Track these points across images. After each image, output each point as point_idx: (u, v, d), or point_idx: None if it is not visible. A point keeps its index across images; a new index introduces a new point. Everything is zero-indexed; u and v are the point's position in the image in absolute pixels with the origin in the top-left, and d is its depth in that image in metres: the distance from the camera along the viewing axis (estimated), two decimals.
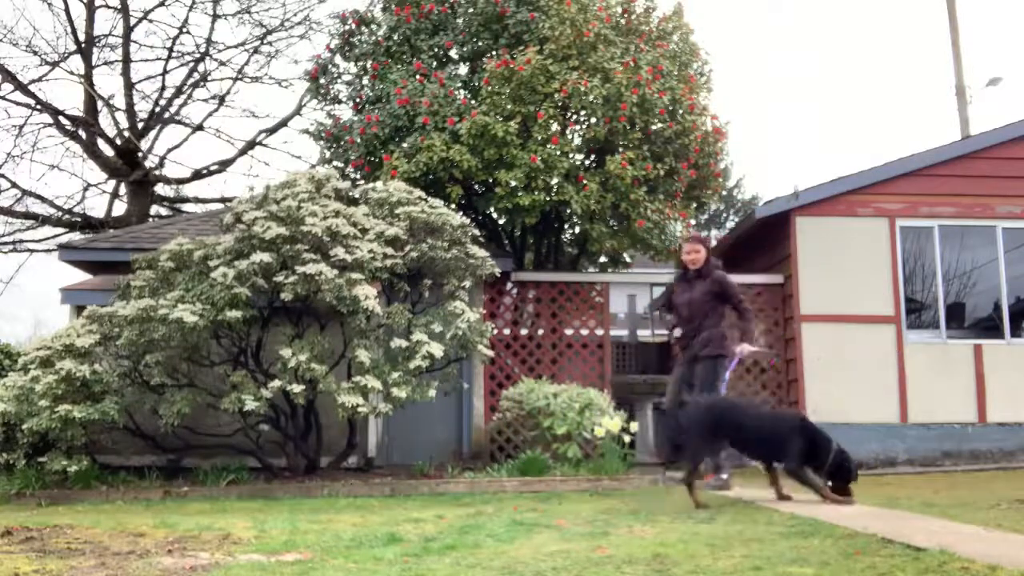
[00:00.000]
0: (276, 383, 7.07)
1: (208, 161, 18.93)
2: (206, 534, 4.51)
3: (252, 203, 8.08)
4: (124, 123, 17.50)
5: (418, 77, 10.63)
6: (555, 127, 10.05)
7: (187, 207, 18.86)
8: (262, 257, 7.23)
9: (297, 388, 7.01)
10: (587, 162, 10.63)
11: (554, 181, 9.96)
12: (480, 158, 9.72)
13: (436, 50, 11.29)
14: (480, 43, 11.22)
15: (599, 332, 10.77)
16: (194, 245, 7.94)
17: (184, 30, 17.49)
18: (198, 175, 18.48)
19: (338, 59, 12.07)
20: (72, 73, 17.32)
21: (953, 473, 9.09)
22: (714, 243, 11.89)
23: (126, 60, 17.24)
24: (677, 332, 6.92)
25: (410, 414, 8.55)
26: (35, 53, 16.84)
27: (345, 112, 11.94)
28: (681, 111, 10.29)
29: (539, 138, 9.75)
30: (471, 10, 11.27)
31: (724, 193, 28.06)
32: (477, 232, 8.50)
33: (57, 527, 4.90)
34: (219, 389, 7.58)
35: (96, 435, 7.60)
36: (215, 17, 17.64)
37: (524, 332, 10.80)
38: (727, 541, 3.90)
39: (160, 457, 8.23)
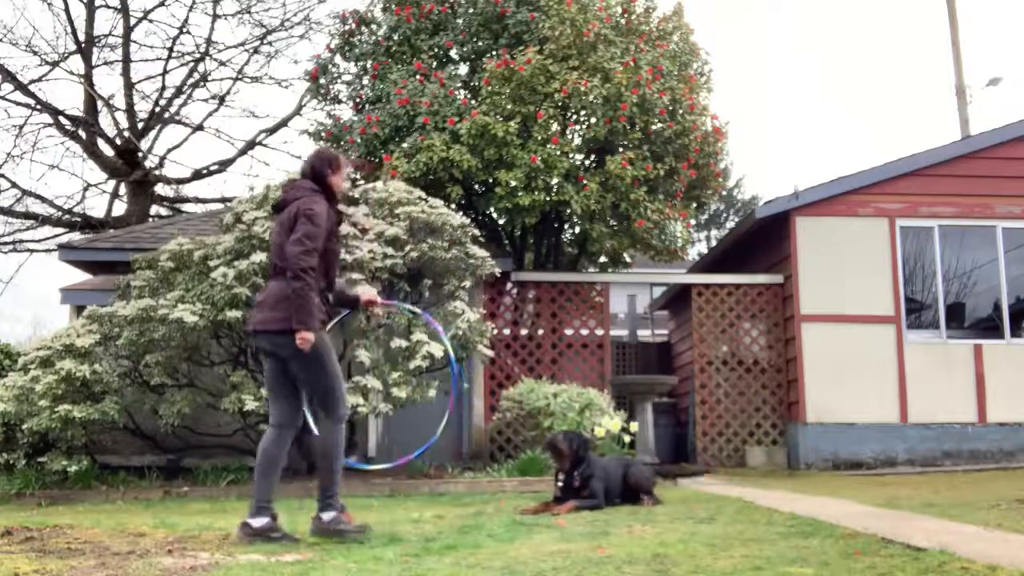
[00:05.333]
0: None
1: (208, 161, 18.93)
2: (206, 534, 4.51)
3: (252, 203, 8.07)
4: (124, 123, 17.50)
5: (418, 77, 10.63)
6: (555, 127, 10.05)
7: (187, 207, 18.85)
8: (262, 257, 7.23)
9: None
10: (587, 162, 10.63)
11: (554, 181, 9.96)
12: (480, 158, 9.72)
13: (436, 50, 11.29)
14: (480, 43, 11.22)
15: (599, 332, 10.77)
16: (194, 245, 7.94)
17: (184, 30, 17.48)
18: (198, 175, 18.47)
19: (338, 59, 12.07)
20: (72, 73, 17.32)
21: (953, 473, 9.09)
22: (714, 243, 11.90)
23: (126, 60, 17.22)
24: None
25: (410, 414, 8.54)
26: (35, 53, 16.83)
27: (345, 112, 11.96)
28: (681, 111, 10.29)
29: (539, 138, 9.75)
30: (471, 10, 11.27)
31: (724, 193, 28.10)
32: (477, 232, 8.50)
33: (57, 527, 4.90)
34: (219, 389, 7.57)
35: (96, 435, 7.59)
36: (215, 17, 17.65)
37: (524, 332, 10.80)
38: (727, 541, 3.90)
39: (160, 457, 8.23)
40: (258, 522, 4.14)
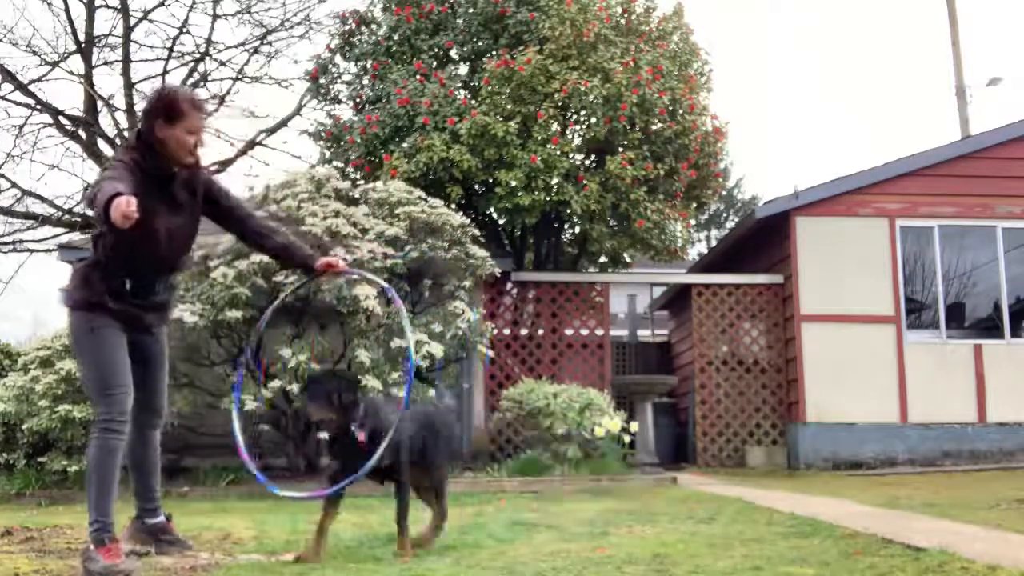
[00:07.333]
0: (276, 383, 7.08)
1: (208, 161, 18.90)
2: (206, 534, 4.51)
3: (252, 203, 8.07)
4: (124, 123, 17.47)
5: (418, 77, 10.63)
6: (555, 127, 10.05)
7: None
8: (262, 257, 7.23)
9: (297, 388, 7.01)
10: (587, 162, 10.63)
11: (554, 181, 9.96)
12: (480, 158, 9.72)
13: (436, 50, 11.29)
14: (480, 43, 11.22)
15: (599, 332, 10.77)
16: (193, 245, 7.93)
17: (184, 30, 17.43)
18: None
19: (338, 59, 12.07)
20: (72, 73, 17.29)
21: (953, 473, 9.09)
22: (714, 243, 11.89)
23: (126, 60, 17.19)
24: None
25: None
26: (35, 53, 16.79)
27: (345, 112, 11.95)
28: (681, 111, 10.29)
29: (539, 138, 9.75)
30: (471, 10, 11.27)
31: (724, 193, 28.08)
32: (477, 232, 8.50)
33: (57, 527, 4.90)
34: (219, 389, 7.58)
35: None
36: (215, 17, 17.58)
37: (524, 332, 10.80)
38: (727, 541, 3.90)
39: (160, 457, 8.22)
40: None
